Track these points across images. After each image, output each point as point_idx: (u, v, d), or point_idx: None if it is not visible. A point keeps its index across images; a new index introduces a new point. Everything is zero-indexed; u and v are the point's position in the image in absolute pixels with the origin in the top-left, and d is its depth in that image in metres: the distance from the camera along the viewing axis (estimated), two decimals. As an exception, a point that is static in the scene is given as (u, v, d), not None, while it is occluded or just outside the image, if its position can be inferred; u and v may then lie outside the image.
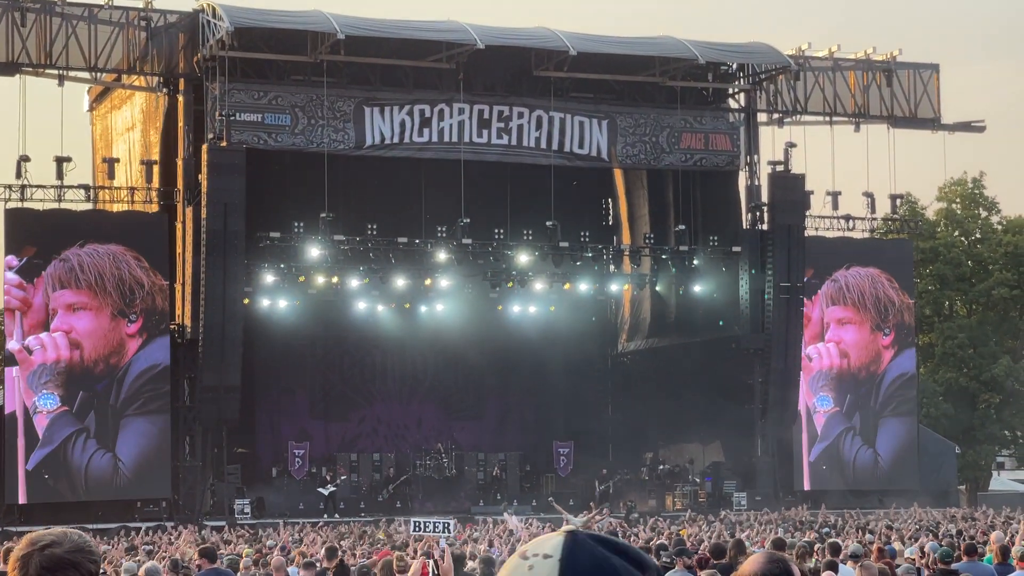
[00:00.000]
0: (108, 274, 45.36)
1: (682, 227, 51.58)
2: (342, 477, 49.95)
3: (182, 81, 47.16)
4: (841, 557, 18.75)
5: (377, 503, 49.92)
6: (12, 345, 44.86)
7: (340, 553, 20.57)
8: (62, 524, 36.17)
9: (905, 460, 54.56)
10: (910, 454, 54.79)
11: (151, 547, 30.50)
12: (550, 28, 49.06)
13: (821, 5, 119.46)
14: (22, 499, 44.79)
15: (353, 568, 20.22)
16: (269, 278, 48.66)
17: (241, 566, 21.30)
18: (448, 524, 22.87)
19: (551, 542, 3.73)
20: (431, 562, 15.33)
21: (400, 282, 50.21)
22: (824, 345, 53.24)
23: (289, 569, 19.11)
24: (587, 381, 58.64)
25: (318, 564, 19.20)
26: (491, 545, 26.34)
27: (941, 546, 19.82)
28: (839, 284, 53.52)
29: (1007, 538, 22.24)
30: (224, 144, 44.97)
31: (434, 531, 22.23)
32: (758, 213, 52.12)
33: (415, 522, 23.25)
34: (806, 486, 52.54)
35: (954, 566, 17.62)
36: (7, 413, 44.93)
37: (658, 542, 23.10)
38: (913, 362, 55.67)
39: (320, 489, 49.01)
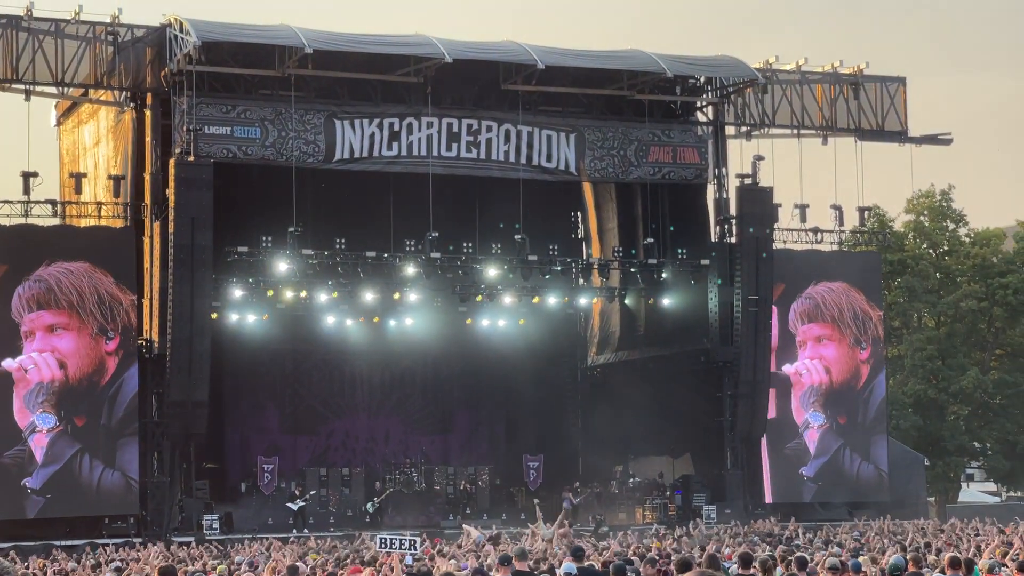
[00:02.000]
0: (88, 292, 45.28)
1: (651, 240, 51.62)
2: (311, 492, 49.80)
3: (149, 96, 46.98)
4: (808, 569, 18.75)
5: (347, 518, 49.77)
6: (8, 363, 44.64)
7: (305, 569, 20.47)
8: (29, 541, 36.14)
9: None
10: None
11: (120, 564, 30.33)
12: (518, 42, 49.07)
13: (788, 19, 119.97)
14: None
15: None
16: (237, 292, 48.56)
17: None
18: (415, 541, 22.84)
19: None
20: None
21: (369, 296, 50.16)
22: (810, 362, 53.33)
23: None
24: (557, 394, 58.65)
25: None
26: (455, 559, 26.24)
27: (905, 559, 19.83)
28: (814, 301, 53.58)
29: (969, 552, 22.31)
30: (192, 158, 44.87)
31: (400, 547, 22.22)
32: (726, 226, 52.21)
33: (381, 538, 23.21)
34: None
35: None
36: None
37: (626, 556, 23.07)
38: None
39: (289, 504, 48.85)
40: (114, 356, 45.78)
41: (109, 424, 45.71)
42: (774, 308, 52.19)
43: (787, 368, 52.73)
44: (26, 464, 44.83)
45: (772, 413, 52.37)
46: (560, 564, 20.38)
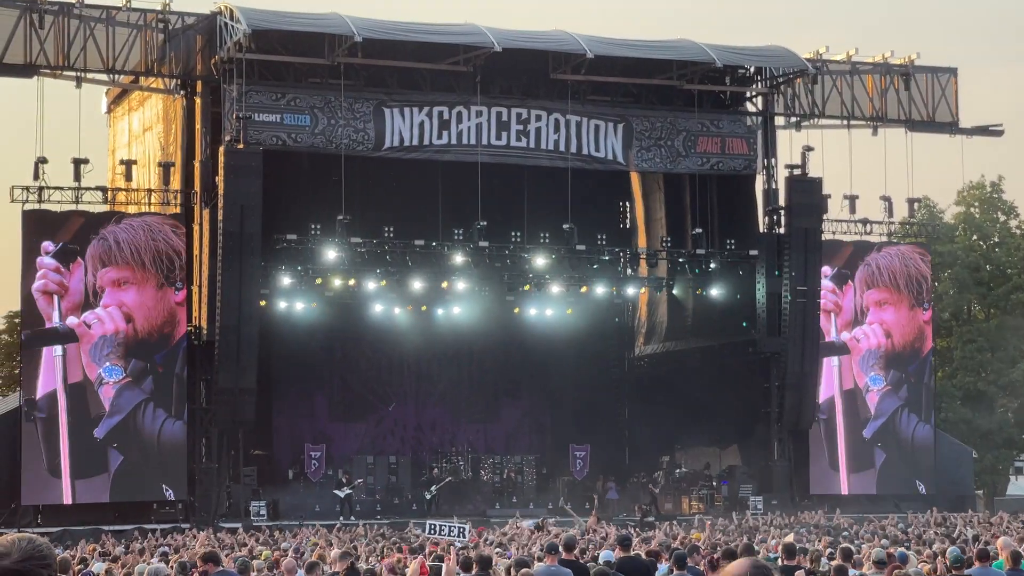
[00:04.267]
0: (144, 247, 45.67)
1: (699, 230, 51.49)
2: (358, 480, 49.94)
3: (199, 83, 47.18)
4: (853, 561, 18.69)
5: (393, 505, 49.92)
6: (71, 320, 45.08)
7: (352, 557, 20.56)
8: (79, 525, 36.41)
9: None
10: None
11: (167, 549, 30.54)
12: (567, 31, 49.00)
13: (839, 8, 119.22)
14: (68, 493, 45.15)
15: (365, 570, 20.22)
16: (286, 280, 48.72)
17: (254, 567, 21.32)
18: (463, 528, 22.93)
19: None
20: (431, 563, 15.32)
21: (417, 284, 50.22)
22: (869, 327, 53.34)
23: (300, 572, 19.10)
24: (604, 384, 58.65)
25: (326, 568, 19.17)
26: (503, 547, 26.30)
27: (962, 551, 19.74)
28: (871, 267, 53.57)
29: (1021, 545, 22.12)
30: (241, 146, 45.01)
31: (449, 535, 22.31)
32: (775, 216, 52.02)
33: (430, 525, 23.33)
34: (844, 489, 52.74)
35: (966, 572, 17.55)
36: (41, 397, 45.14)
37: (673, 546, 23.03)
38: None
39: (336, 491, 49.01)
40: (184, 306, 46.21)
41: (182, 373, 46.28)
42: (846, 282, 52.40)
43: (844, 335, 52.82)
44: (93, 412, 45.38)
45: (848, 384, 52.80)
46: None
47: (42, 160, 45.44)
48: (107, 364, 45.48)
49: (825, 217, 52.16)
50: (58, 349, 45.10)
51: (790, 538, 23.68)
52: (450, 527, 23.37)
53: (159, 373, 45.99)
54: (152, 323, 45.94)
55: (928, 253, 54.75)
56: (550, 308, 54.32)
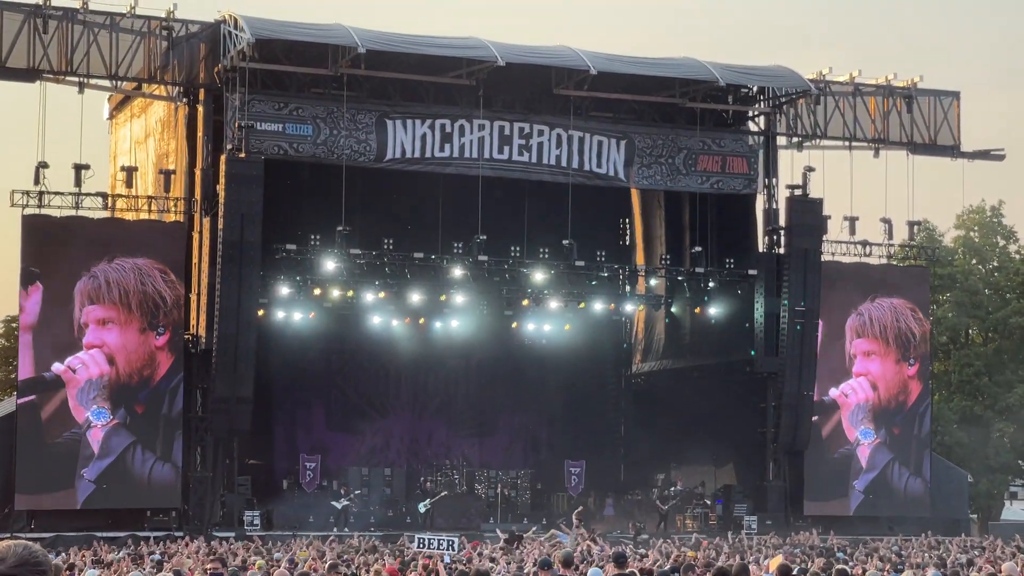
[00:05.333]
0: (133, 290, 45.58)
1: (698, 249, 51.50)
2: (355, 492, 49.88)
3: (202, 91, 47.18)
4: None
5: (387, 518, 49.84)
6: (57, 367, 45.01)
7: (344, 569, 20.52)
8: (72, 531, 36.36)
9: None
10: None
11: (160, 556, 30.49)
12: (571, 46, 49.00)
13: (843, 30, 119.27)
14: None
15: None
16: (284, 290, 48.70)
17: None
18: (452, 541, 22.89)
19: None
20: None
21: (415, 297, 50.21)
22: (856, 380, 53.24)
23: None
24: (600, 401, 58.63)
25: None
26: (493, 562, 26.23)
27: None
28: (864, 317, 53.48)
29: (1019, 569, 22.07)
30: (243, 155, 45.00)
31: (438, 548, 22.27)
32: (775, 237, 52.02)
33: (420, 538, 23.29)
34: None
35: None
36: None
37: (665, 567, 22.98)
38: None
39: (333, 502, 48.95)
40: (165, 351, 46.07)
41: (169, 415, 46.10)
42: (820, 322, 52.12)
43: (832, 392, 52.73)
44: (82, 453, 45.15)
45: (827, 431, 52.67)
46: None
47: (43, 165, 45.41)
48: (94, 407, 45.39)
49: (825, 238, 52.15)
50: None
51: (779, 559, 23.64)
52: (439, 540, 23.33)
53: (139, 414, 45.81)
54: (133, 365, 45.82)
55: (919, 310, 54.54)
56: (548, 323, 54.33)
